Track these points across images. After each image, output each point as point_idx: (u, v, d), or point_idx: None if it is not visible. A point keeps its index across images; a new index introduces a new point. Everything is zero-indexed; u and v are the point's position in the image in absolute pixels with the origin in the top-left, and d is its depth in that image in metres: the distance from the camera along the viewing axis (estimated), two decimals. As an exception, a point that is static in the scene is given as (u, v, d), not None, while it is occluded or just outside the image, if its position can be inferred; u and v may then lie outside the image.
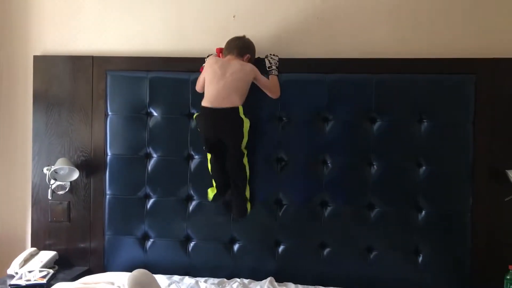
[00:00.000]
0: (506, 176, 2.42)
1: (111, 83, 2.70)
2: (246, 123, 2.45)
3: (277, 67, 2.55)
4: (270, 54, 2.58)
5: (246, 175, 2.52)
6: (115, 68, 2.70)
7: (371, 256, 2.55)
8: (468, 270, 2.48)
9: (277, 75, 2.54)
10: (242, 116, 2.42)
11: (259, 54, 2.60)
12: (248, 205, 2.56)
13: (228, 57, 2.51)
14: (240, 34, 2.56)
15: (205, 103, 2.43)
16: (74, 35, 2.80)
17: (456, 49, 2.53)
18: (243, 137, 2.45)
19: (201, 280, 2.54)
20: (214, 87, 2.41)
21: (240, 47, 2.50)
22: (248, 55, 2.51)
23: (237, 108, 2.41)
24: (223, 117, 2.41)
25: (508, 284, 2.36)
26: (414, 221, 2.51)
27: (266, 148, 2.60)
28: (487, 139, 2.48)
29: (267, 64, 2.56)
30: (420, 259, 2.51)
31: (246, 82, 2.45)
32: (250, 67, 2.48)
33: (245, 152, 2.51)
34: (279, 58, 2.57)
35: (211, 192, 2.60)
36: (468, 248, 2.48)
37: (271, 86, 2.53)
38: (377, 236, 2.55)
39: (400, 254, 2.52)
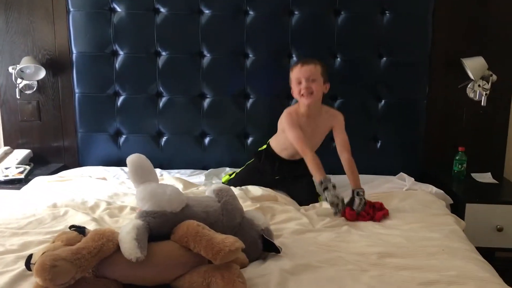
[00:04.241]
0: (461, 65, 2.55)
1: (70, -23, 2.61)
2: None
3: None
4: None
5: None
6: (73, -40, 2.60)
7: (333, 144, 2.71)
8: (422, 153, 2.70)
9: None
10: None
11: None
12: None
13: None
14: None
15: None
16: None
17: None
18: None
19: (173, 172, 2.68)
20: None
21: None
22: None
23: None
24: None
25: (457, 164, 2.60)
26: (374, 110, 2.67)
27: (232, 43, 2.62)
28: (445, 29, 2.59)
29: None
30: (379, 144, 2.70)
31: None
32: None
33: None
34: None
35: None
36: (423, 133, 2.68)
37: None
38: (339, 125, 2.69)
39: (360, 141, 2.68)
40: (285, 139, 2.38)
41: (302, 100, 2.30)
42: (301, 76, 2.27)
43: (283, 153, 2.45)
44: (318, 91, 2.27)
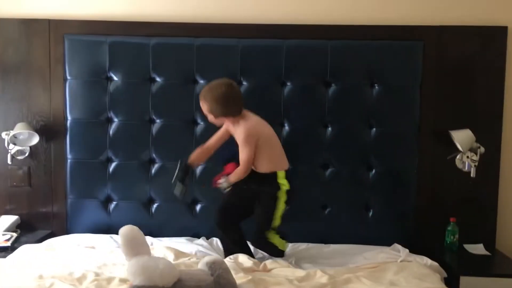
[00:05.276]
0: (449, 136, 2.61)
1: (69, 47, 2.68)
2: None
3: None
4: None
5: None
6: (73, 31, 2.68)
7: (326, 212, 2.72)
8: (413, 223, 2.69)
9: None
10: None
11: (226, 18, 2.67)
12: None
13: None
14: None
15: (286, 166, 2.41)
16: (29, -3, 2.74)
17: (406, 17, 2.67)
18: None
19: (163, 239, 2.63)
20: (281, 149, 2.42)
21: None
22: None
23: None
24: None
25: (449, 235, 2.59)
26: (365, 179, 2.69)
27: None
28: (433, 101, 2.66)
29: None
30: (370, 214, 2.70)
31: None
32: None
33: None
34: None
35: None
36: (413, 203, 2.68)
37: None
38: (331, 194, 2.71)
39: (352, 210, 2.70)
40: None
41: None
42: None
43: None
44: (215, 122, 2.37)
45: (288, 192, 2.38)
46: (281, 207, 2.38)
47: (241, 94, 2.39)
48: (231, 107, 2.30)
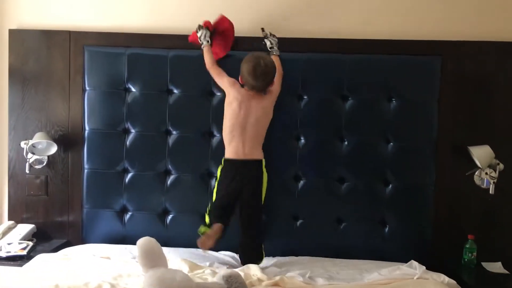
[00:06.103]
0: (467, 152, 2.58)
1: (88, 59, 2.71)
2: (265, 177, 2.52)
3: (277, 47, 2.61)
4: (271, 35, 2.62)
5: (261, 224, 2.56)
6: (92, 43, 2.72)
7: (341, 227, 2.69)
8: (430, 240, 2.66)
9: (278, 55, 2.60)
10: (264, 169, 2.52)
11: (243, 32, 2.66)
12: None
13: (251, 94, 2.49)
14: (218, 10, 2.60)
15: (229, 155, 2.49)
16: (51, 9, 2.78)
17: (424, 32, 2.66)
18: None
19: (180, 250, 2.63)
20: (238, 139, 2.47)
21: (268, 82, 2.48)
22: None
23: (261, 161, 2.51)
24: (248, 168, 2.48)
25: (467, 252, 2.55)
26: (382, 194, 2.66)
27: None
28: (451, 117, 2.64)
29: (268, 45, 2.61)
30: (387, 229, 2.67)
31: (268, 122, 2.54)
32: (271, 101, 2.53)
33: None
34: (278, 39, 2.63)
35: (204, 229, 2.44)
36: (431, 219, 2.65)
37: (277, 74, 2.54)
38: (346, 208, 2.69)
39: (368, 225, 2.68)
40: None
41: None
42: None
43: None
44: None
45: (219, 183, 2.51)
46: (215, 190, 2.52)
47: (263, 77, 2.43)
48: (248, 81, 2.45)
